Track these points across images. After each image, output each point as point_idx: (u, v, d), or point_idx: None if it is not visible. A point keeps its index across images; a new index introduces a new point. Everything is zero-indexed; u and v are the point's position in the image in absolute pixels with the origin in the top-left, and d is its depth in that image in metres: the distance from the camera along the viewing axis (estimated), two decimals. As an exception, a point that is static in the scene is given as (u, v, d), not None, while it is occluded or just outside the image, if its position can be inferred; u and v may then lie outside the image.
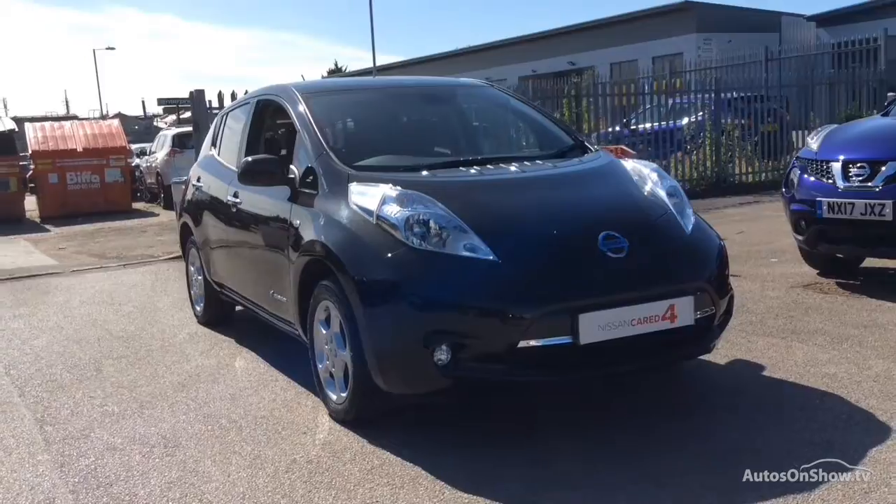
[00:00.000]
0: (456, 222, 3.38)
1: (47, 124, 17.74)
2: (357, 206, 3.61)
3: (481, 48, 41.48)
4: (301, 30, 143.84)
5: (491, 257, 3.27)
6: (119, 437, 3.67)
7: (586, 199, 3.78)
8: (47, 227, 14.49)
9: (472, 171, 3.97)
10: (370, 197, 3.58)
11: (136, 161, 19.97)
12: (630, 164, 4.20)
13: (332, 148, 4.08)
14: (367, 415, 3.58)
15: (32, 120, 18.66)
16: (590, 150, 4.46)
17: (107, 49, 67.14)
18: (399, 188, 3.58)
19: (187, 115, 9.19)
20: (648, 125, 12.83)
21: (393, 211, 3.44)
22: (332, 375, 3.72)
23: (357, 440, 3.47)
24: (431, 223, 3.37)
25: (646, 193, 3.85)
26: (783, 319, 4.97)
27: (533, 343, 3.19)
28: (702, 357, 3.99)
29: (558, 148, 4.54)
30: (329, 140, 4.16)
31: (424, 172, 3.89)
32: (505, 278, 3.25)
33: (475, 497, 2.89)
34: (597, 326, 3.21)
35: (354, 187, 3.71)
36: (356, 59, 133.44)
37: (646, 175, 4.00)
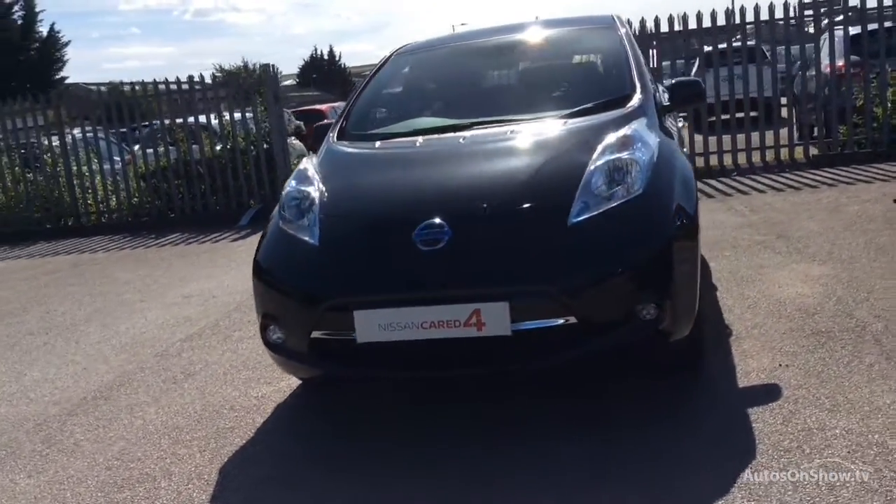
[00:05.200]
0: (316, 203, 3.34)
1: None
2: None
3: None
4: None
5: (314, 241, 3.18)
6: (181, 365, 4.55)
7: (457, 179, 3.32)
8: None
9: (419, 141, 3.75)
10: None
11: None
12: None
13: (350, 114, 4.25)
14: (306, 382, 3.80)
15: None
16: (628, 102, 3.71)
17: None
18: (308, 163, 3.69)
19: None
20: None
21: (287, 187, 3.57)
22: None
23: (271, 401, 3.77)
24: (302, 202, 3.39)
25: (572, 168, 3.17)
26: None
27: (324, 335, 3.07)
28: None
29: (605, 100, 3.82)
30: (356, 106, 4.31)
31: (377, 143, 3.86)
32: (313, 265, 3.17)
33: (228, 484, 3.03)
34: (376, 325, 2.92)
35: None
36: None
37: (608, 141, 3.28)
